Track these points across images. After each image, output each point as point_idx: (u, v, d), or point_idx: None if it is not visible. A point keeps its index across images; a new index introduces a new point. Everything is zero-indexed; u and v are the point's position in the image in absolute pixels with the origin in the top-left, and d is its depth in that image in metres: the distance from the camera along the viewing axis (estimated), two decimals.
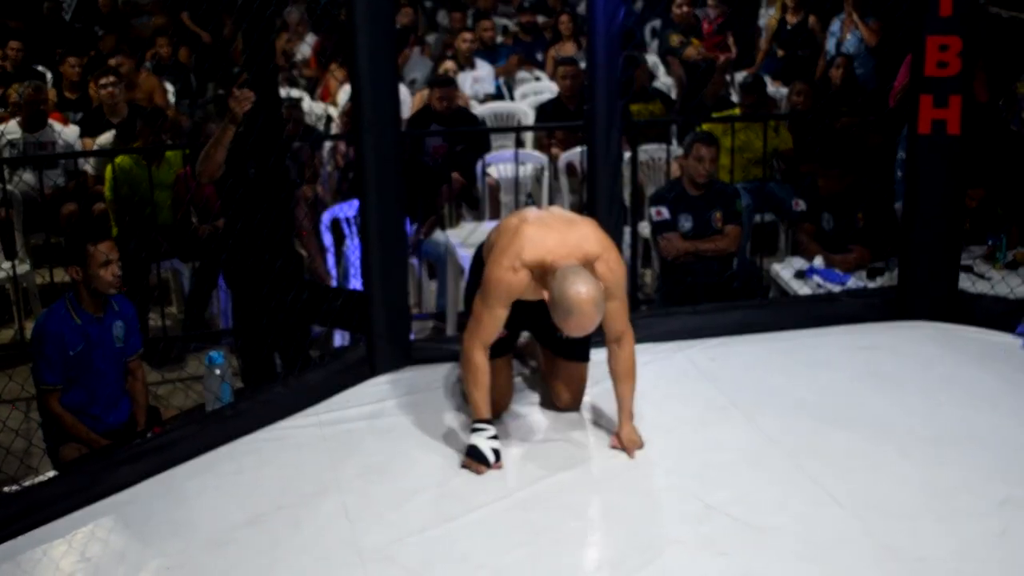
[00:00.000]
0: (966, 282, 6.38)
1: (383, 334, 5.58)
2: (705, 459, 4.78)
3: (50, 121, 8.19)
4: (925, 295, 6.17)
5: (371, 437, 5.06)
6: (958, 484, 4.58)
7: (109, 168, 7.41)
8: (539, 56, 10.87)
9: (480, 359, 4.51)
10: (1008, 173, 7.26)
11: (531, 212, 4.81)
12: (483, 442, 4.51)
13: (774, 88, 9.14)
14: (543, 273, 4.37)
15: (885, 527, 4.26)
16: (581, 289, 4.18)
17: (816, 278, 6.75)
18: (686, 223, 6.93)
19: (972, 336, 5.97)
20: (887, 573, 4.04)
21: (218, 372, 5.21)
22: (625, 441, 4.71)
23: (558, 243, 4.43)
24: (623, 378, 4.74)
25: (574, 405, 5.13)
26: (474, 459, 4.50)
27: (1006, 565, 4.06)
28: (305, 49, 10.75)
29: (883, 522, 4.29)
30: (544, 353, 5.15)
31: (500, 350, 4.76)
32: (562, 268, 4.30)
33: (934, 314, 6.14)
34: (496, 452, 4.52)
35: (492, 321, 4.49)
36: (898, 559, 4.09)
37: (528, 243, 4.43)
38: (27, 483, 4.56)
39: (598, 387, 5.18)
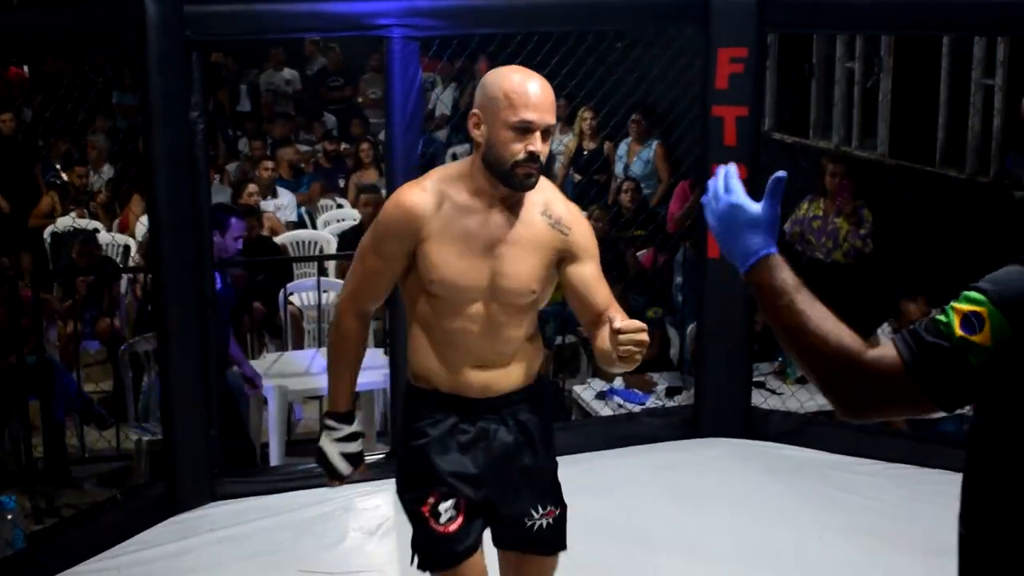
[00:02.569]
0: (758, 398, 6.54)
1: (185, 468, 5.62)
2: None
3: None
4: (720, 412, 6.36)
5: (170, 574, 5.10)
6: None
7: None
8: (341, 182, 11.01)
9: (348, 323, 3.37)
10: None
11: None
12: (331, 447, 3.42)
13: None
14: (464, 174, 3.30)
15: None
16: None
17: (616, 399, 6.86)
18: None
19: (765, 451, 6.18)
20: None
21: (9, 517, 5.20)
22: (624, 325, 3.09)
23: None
24: None
25: None
26: (324, 469, 3.47)
27: None
28: (97, 180, 10.78)
29: None
30: (506, 559, 3.59)
31: (466, 535, 3.38)
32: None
33: (729, 431, 6.32)
34: (351, 457, 3.44)
35: (373, 270, 3.31)
36: None
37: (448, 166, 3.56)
38: None
39: None
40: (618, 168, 9.72)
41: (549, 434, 3.50)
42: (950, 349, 2.06)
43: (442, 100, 12.80)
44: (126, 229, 9.43)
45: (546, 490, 3.44)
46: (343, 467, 3.42)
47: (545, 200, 3.29)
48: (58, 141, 11.44)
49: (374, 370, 6.95)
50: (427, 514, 3.30)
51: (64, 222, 9.68)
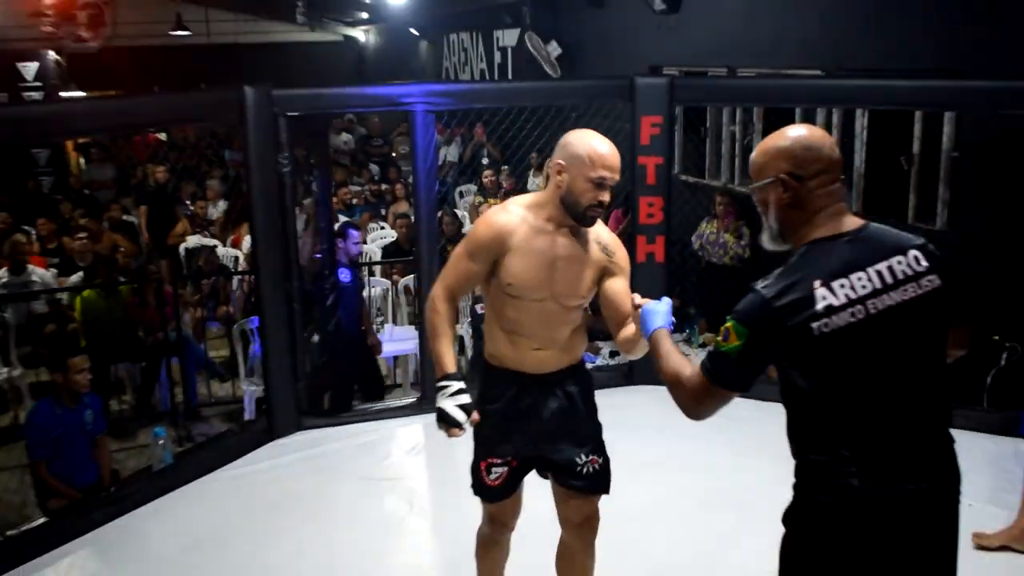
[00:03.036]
0: None
1: (279, 409, 5.62)
2: None
3: (29, 265, 8.11)
4: (646, 368, 6.07)
5: (274, 482, 5.11)
6: (668, 495, 4.84)
7: (79, 300, 7.39)
8: (383, 212, 11.05)
9: (442, 306, 3.17)
10: (697, 286, 7.52)
11: None
12: (448, 402, 3.11)
13: None
14: (540, 203, 3.17)
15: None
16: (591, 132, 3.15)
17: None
18: None
19: None
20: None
21: (160, 442, 5.22)
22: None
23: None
24: None
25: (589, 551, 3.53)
26: (445, 423, 3.13)
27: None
28: (215, 211, 10.82)
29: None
30: (561, 495, 3.42)
31: (507, 489, 3.40)
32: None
33: (653, 381, 6.16)
34: (465, 408, 3.11)
35: (466, 270, 3.17)
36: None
37: (525, 196, 3.31)
38: (24, 527, 4.55)
39: None
40: None
41: (591, 401, 3.41)
42: (719, 353, 2.38)
43: (449, 154, 12.83)
44: (236, 245, 9.45)
45: (588, 442, 3.31)
46: (461, 417, 3.10)
47: (596, 229, 3.20)
48: (187, 184, 11.47)
49: (409, 340, 7.02)
50: (482, 469, 3.31)
51: (193, 240, 9.73)
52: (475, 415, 3.13)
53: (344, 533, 4.57)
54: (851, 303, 2.28)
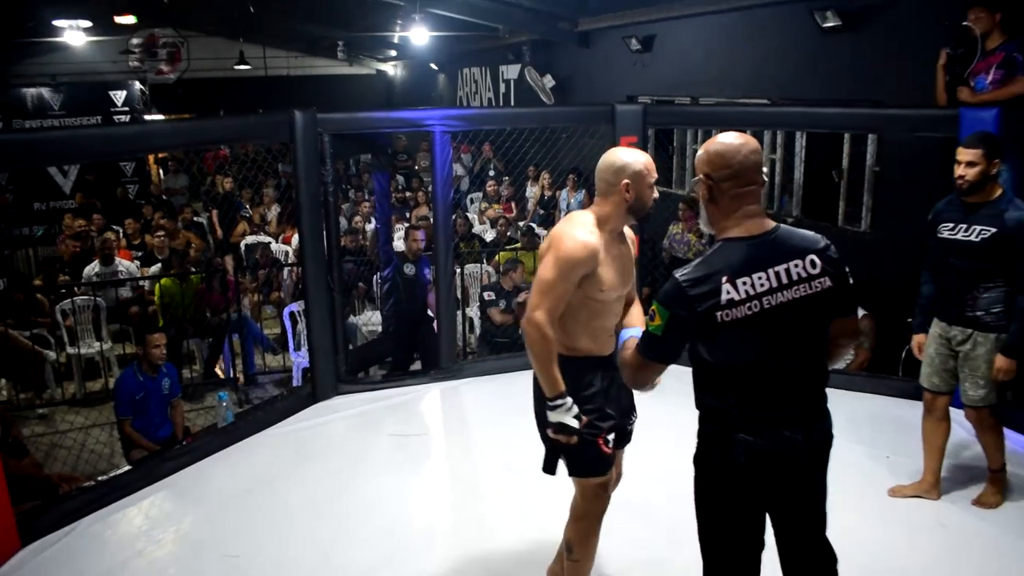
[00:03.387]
0: None
1: (321, 377, 5.57)
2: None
3: (117, 258, 8.08)
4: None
5: (316, 437, 5.08)
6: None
7: (157, 286, 7.37)
8: (407, 215, 10.99)
9: (550, 332, 2.86)
10: (666, 277, 7.40)
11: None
12: (564, 416, 2.91)
13: (539, 230, 9.37)
14: (602, 217, 2.96)
15: None
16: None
17: None
18: (502, 303, 6.94)
19: None
20: None
21: (224, 404, 5.20)
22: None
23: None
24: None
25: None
26: (565, 432, 2.93)
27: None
28: (269, 213, 10.77)
29: None
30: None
31: (612, 461, 3.14)
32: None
33: None
34: (576, 417, 2.93)
35: (563, 292, 2.89)
36: None
37: (584, 214, 3.05)
38: (112, 474, 4.54)
39: None
40: (563, 205, 9.68)
41: None
42: (648, 333, 2.43)
43: (457, 169, 12.74)
44: (287, 242, 9.41)
45: (634, 408, 3.24)
46: (576, 424, 2.91)
47: (627, 230, 3.08)
48: (246, 191, 11.44)
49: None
50: (601, 444, 3.02)
51: (251, 238, 9.68)
52: (584, 419, 2.95)
53: (376, 477, 4.55)
54: (749, 299, 2.32)
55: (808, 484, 2.50)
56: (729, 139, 2.41)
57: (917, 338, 4.11)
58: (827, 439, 2.48)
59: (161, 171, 14.64)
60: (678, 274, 2.37)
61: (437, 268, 5.72)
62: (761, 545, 2.54)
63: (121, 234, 9.32)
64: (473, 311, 7.42)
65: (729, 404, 2.40)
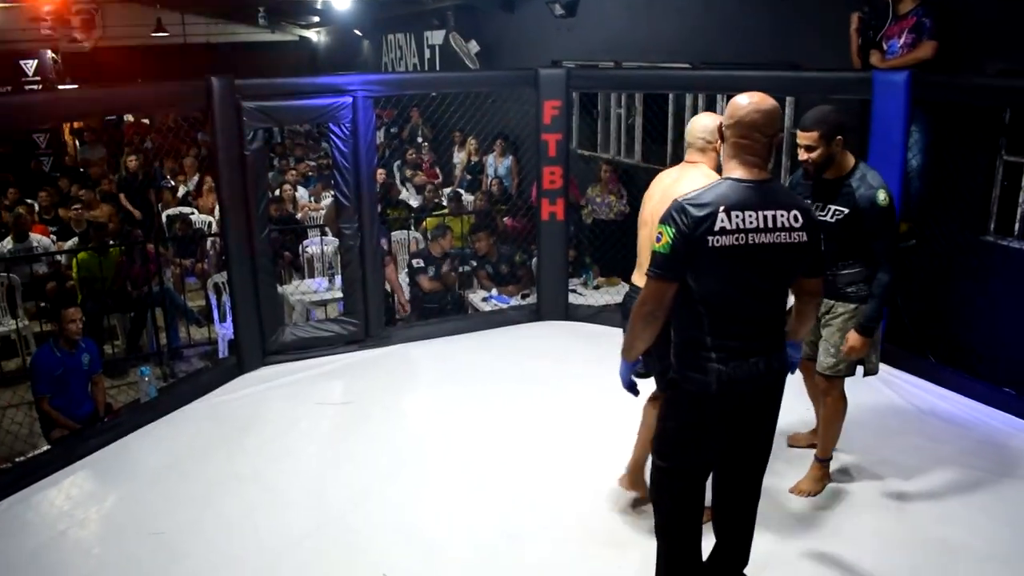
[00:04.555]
0: (573, 298, 6.50)
1: (246, 348, 5.46)
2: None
3: (32, 234, 7.78)
4: (552, 306, 6.32)
5: (243, 409, 4.99)
6: (571, 407, 4.82)
7: (75, 261, 7.12)
8: (333, 181, 10.76)
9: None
10: (590, 239, 7.45)
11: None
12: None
13: (466, 196, 9.31)
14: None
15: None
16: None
17: (493, 301, 6.82)
18: (431, 270, 6.86)
19: (577, 327, 6.16)
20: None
21: (146, 379, 5.07)
22: None
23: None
24: None
25: None
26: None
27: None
28: (191, 185, 10.46)
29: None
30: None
31: None
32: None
33: (557, 317, 6.30)
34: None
35: None
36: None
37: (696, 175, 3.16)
38: (31, 454, 4.39)
39: None
40: (489, 171, 9.61)
41: None
42: (655, 253, 2.62)
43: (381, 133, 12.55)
44: (209, 212, 9.17)
45: None
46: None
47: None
48: (167, 161, 11.11)
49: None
50: None
51: (173, 210, 9.41)
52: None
53: (304, 446, 4.50)
54: (738, 231, 2.56)
55: (768, 407, 2.81)
56: (743, 97, 2.67)
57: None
58: (784, 366, 2.77)
59: (77, 142, 14.11)
60: (683, 199, 2.61)
61: (363, 235, 5.63)
62: (713, 465, 2.86)
63: (36, 208, 8.96)
64: (402, 277, 7.34)
65: (704, 333, 2.65)
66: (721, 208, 2.55)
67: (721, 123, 2.74)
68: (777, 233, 2.59)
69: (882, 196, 3.48)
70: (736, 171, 2.65)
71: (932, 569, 3.35)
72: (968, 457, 4.18)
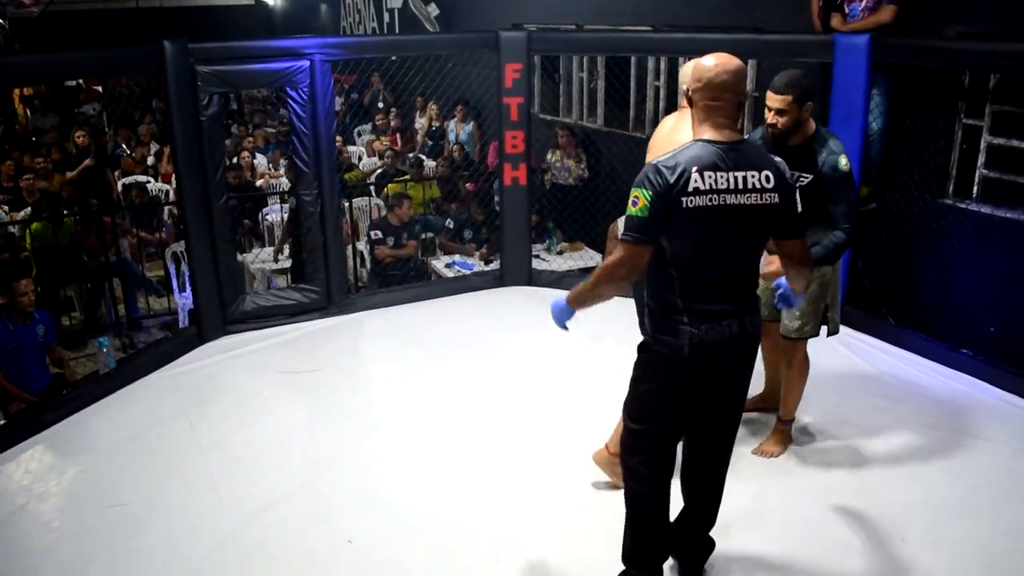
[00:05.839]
0: (536, 263, 6.50)
1: (207, 317, 5.39)
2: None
3: None
4: (515, 272, 6.30)
5: (204, 379, 4.93)
6: (537, 376, 4.81)
7: (28, 231, 6.94)
8: (291, 148, 10.58)
9: None
10: (552, 204, 7.38)
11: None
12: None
13: (428, 162, 9.18)
14: None
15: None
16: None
17: (456, 267, 6.80)
18: (390, 240, 6.80)
19: (540, 293, 6.11)
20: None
21: (105, 350, 4.98)
22: None
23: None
24: None
25: None
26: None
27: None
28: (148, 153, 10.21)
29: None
30: None
31: None
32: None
33: (520, 282, 6.29)
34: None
35: None
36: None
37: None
38: None
39: None
40: (451, 136, 9.49)
41: None
42: (631, 217, 2.60)
43: (341, 98, 12.34)
44: (167, 180, 8.98)
45: None
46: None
47: None
48: (123, 130, 10.85)
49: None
50: None
51: (129, 179, 9.21)
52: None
53: (266, 416, 4.45)
54: (711, 192, 2.55)
55: (741, 370, 2.82)
56: (708, 59, 2.64)
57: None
58: (756, 330, 2.76)
59: (28, 111, 13.72)
60: (655, 160, 2.60)
61: (323, 201, 5.55)
62: (686, 428, 2.88)
63: None
64: (363, 245, 7.26)
65: (675, 296, 2.65)
66: (694, 169, 2.54)
67: (688, 87, 2.69)
68: (749, 194, 2.59)
69: (843, 161, 3.49)
70: (707, 132, 2.63)
71: (891, 527, 3.41)
72: (926, 417, 4.26)
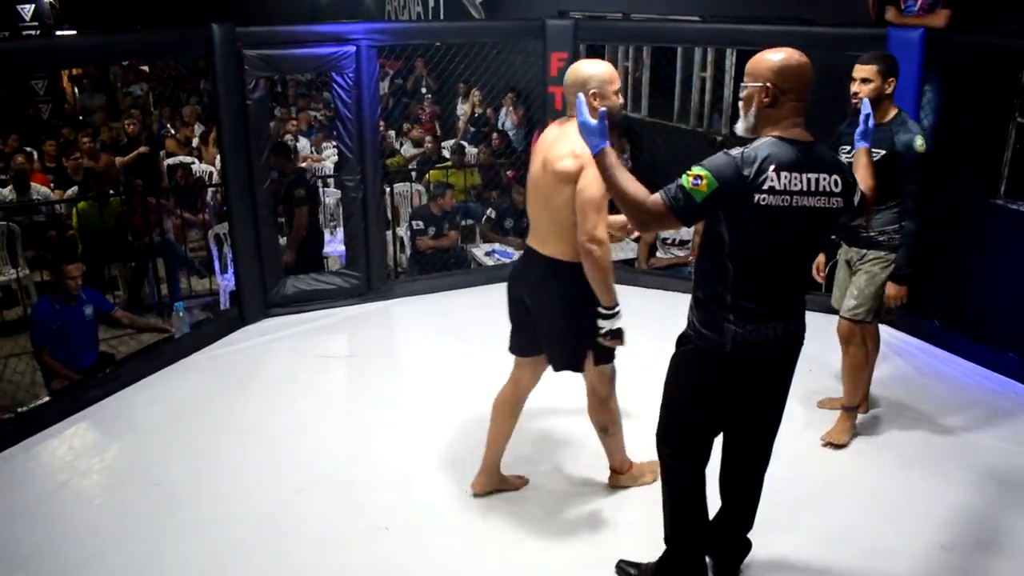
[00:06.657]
0: None
1: (248, 299, 5.45)
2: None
3: (33, 184, 7.71)
4: None
5: (244, 361, 4.98)
6: None
7: (75, 211, 7.07)
8: (335, 133, 10.66)
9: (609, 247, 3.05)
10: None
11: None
12: (619, 321, 3.08)
13: (470, 149, 9.18)
14: None
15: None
16: None
17: (497, 255, 6.79)
18: (431, 231, 6.81)
19: None
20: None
21: (180, 315, 5.11)
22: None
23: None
24: None
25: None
26: (618, 338, 3.10)
27: None
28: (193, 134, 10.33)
29: None
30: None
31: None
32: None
33: None
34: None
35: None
36: None
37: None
38: (33, 404, 4.39)
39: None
40: (501, 125, 9.42)
41: None
42: (688, 194, 2.52)
43: (386, 83, 12.38)
44: (211, 162, 9.09)
45: None
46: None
47: None
48: (167, 109, 11.00)
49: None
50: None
51: (173, 159, 9.34)
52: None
53: (304, 399, 4.50)
54: (785, 192, 2.52)
55: (782, 373, 2.79)
56: (797, 58, 2.60)
57: (819, 259, 4.20)
58: (801, 333, 2.74)
59: (76, 89, 13.96)
60: (733, 152, 2.54)
61: (365, 187, 5.58)
62: (720, 425, 2.86)
63: (36, 157, 8.87)
64: (403, 231, 7.29)
65: (726, 291, 2.62)
66: (772, 167, 2.51)
67: (767, 82, 2.57)
68: (819, 198, 2.57)
69: (919, 141, 3.62)
70: (786, 131, 2.59)
71: (932, 534, 3.37)
72: (969, 422, 4.19)
